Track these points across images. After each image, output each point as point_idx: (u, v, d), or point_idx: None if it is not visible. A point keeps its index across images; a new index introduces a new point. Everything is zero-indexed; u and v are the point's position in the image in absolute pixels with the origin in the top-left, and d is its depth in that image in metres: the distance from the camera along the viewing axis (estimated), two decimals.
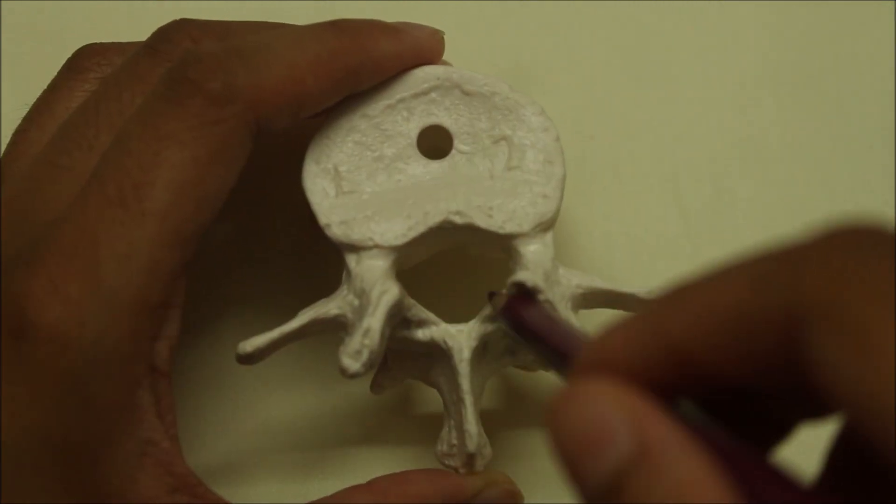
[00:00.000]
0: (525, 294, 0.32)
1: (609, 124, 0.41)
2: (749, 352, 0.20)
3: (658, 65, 0.41)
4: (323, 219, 0.33)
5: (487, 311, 0.33)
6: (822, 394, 0.19)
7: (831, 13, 0.41)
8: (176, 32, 0.33)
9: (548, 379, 0.37)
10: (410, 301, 0.33)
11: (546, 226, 0.34)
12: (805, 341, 0.19)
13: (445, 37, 0.35)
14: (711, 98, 0.41)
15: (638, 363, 0.21)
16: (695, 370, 0.21)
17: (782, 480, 0.19)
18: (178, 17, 0.34)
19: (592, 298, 0.34)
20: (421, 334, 0.33)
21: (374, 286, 0.32)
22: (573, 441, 0.21)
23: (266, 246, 0.39)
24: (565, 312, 0.32)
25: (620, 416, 0.20)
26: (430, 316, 0.33)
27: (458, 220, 0.33)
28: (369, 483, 0.33)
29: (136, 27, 0.36)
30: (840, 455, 0.22)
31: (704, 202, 0.40)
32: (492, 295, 0.33)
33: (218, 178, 0.31)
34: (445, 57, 0.36)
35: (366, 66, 0.33)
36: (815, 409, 0.21)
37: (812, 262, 0.19)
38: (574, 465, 0.21)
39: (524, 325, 0.30)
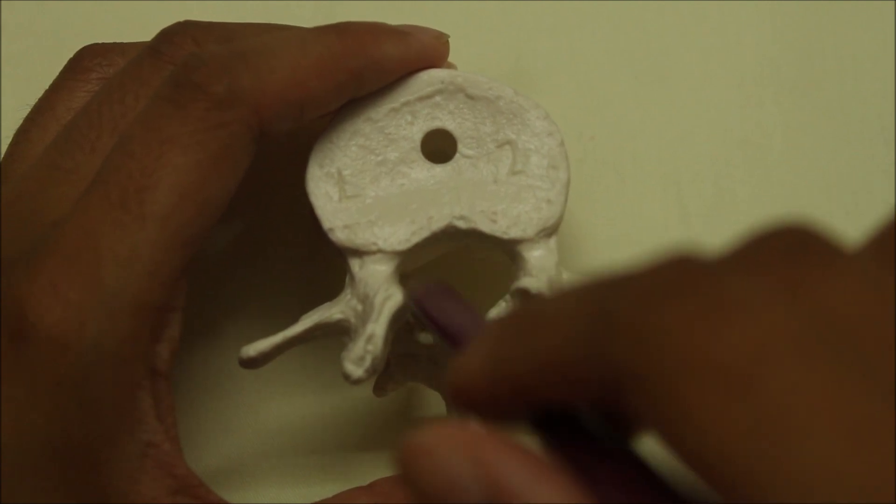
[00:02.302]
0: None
1: (610, 125, 0.41)
2: (577, 391, 0.20)
3: (659, 66, 0.41)
4: (326, 223, 0.33)
5: (491, 314, 0.33)
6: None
7: (831, 13, 0.41)
8: (179, 35, 0.33)
9: None
10: None
11: (550, 231, 0.34)
12: (624, 394, 0.19)
13: None
14: (713, 99, 0.41)
15: (487, 388, 0.21)
16: (534, 398, 0.21)
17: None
18: (179, 17, 0.34)
19: None
20: (424, 338, 0.33)
21: (377, 291, 0.32)
22: (431, 499, 0.21)
23: (269, 249, 0.39)
24: None
25: (467, 469, 0.20)
26: None
27: (461, 224, 0.33)
28: (371, 485, 0.33)
29: (136, 27, 0.36)
30: None
31: (706, 203, 0.40)
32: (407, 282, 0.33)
33: (220, 181, 0.31)
34: None
35: (369, 69, 0.33)
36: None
37: (621, 312, 0.19)
38: None
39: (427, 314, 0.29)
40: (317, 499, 0.32)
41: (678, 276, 0.19)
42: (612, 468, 0.20)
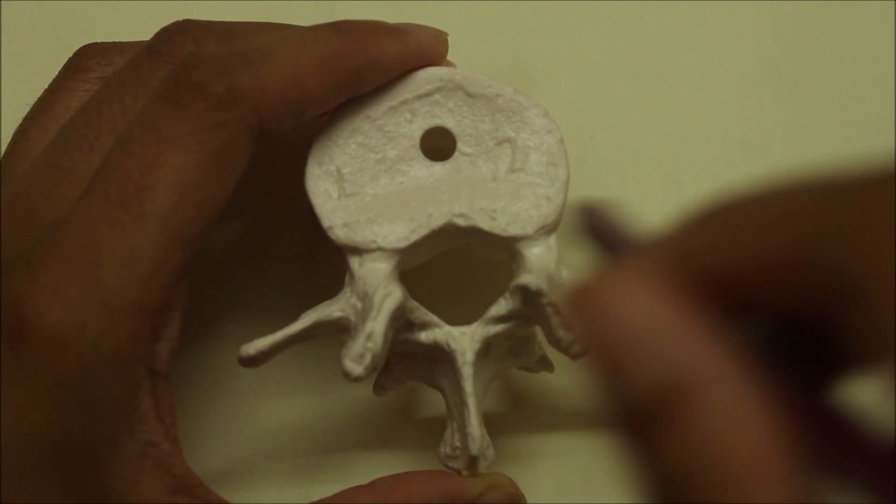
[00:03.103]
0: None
1: (610, 125, 0.41)
2: (794, 293, 0.18)
3: (659, 65, 0.41)
4: (326, 221, 0.33)
5: (491, 312, 0.33)
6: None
7: (831, 13, 0.41)
8: (178, 34, 0.33)
9: (551, 381, 0.37)
10: (413, 304, 0.33)
11: (549, 228, 0.34)
12: (850, 300, 0.17)
13: None
14: (713, 99, 0.41)
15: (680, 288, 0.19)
16: (734, 301, 0.19)
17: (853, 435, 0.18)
18: (178, 16, 0.34)
19: None
20: (424, 337, 0.33)
21: (377, 289, 0.32)
22: (614, 342, 0.18)
23: (268, 248, 0.39)
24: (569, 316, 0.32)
25: (676, 326, 0.18)
26: (433, 318, 0.33)
27: (461, 222, 0.33)
28: (371, 483, 0.33)
29: (136, 27, 0.36)
30: None
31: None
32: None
33: (220, 181, 0.31)
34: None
35: (368, 67, 0.33)
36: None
37: (862, 213, 0.17)
38: (609, 371, 0.18)
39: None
40: (317, 497, 0.32)
41: None
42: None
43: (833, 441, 0.18)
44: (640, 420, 0.18)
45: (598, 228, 0.24)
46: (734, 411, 0.17)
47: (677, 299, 0.19)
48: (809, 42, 0.41)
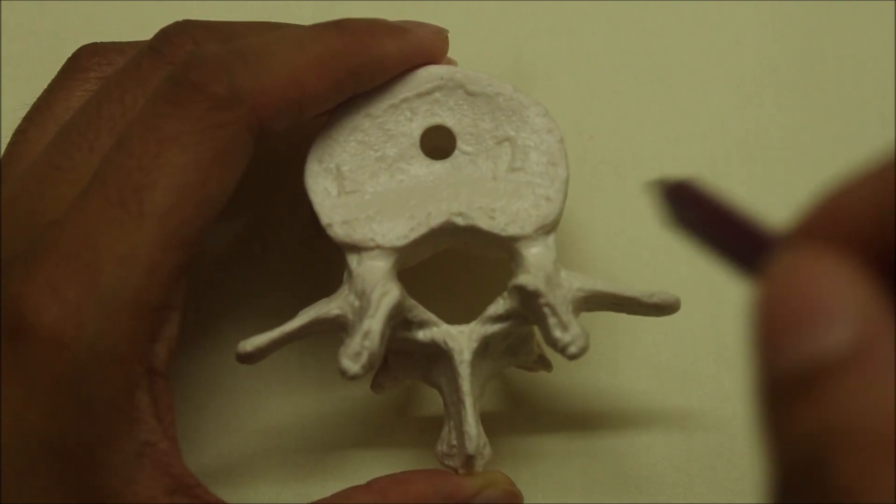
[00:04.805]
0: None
1: (609, 124, 0.41)
2: None
3: (658, 65, 0.41)
4: (325, 218, 0.33)
5: (489, 311, 0.33)
6: None
7: (831, 13, 0.41)
8: (178, 34, 0.33)
9: (549, 380, 0.37)
10: (411, 302, 0.33)
11: (548, 228, 0.33)
12: None
13: None
14: (712, 98, 0.41)
15: (873, 228, 0.18)
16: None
17: None
18: (178, 16, 0.34)
19: (594, 301, 0.34)
20: (422, 335, 0.33)
21: (374, 287, 0.32)
22: (782, 309, 0.17)
23: (266, 246, 0.39)
24: (566, 316, 0.32)
25: (850, 297, 0.17)
26: (431, 317, 0.33)
27: (460, 221, 0.33)
28: (369, 483, 0.33)
29: (136, 27, 0.36)
30: None
31: None
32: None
33: (219, 180, 0.31)
34: None
35: (369, 66, 0.33)
36: None
37: None
38: (772, 336, 0.18)
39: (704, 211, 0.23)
40: (315, 497, 0.32)
41: None
42: None
43: None
44: (803, 385, 0.17)
45: (693, 208, 0.23)
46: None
47: (860, 276, 0.18)
48: (809, 42, 0.41)
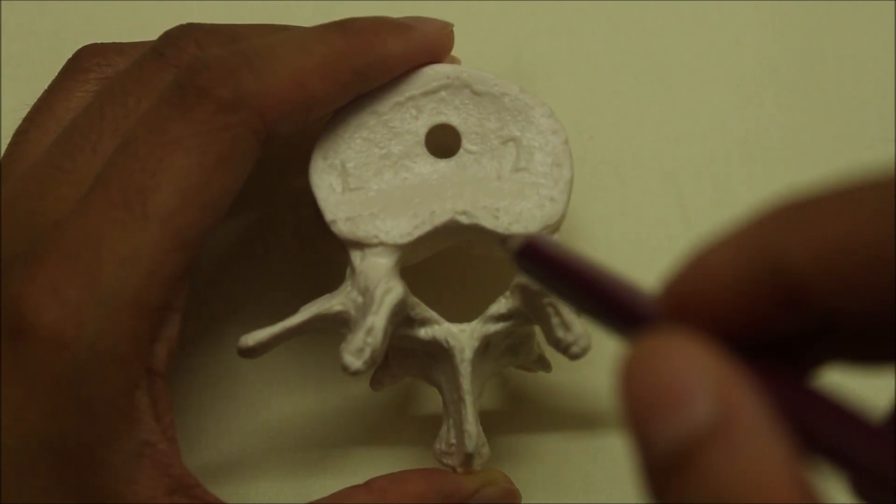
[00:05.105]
0: (542, 238, 0.26)
1: (609, 124, 0.41)
2: (877, 289, 0.18)
3: (658, 64, 0.41)
4: (329, 215, 0.33)
5: (490, 310, 0.33)
6: None
7: (831, 12, 0.42)
8: (182, 37, 0.33)
9: (548, 380, 0.37)
10: (414, 300, 0.33)
11: (552, 229, 0.34)
12: None
13: None
14: (712, 98, 0.41)
15: (735, 285, 0.19)
16: (799, 298, 0.19)
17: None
18: (178, 17, 0.34)
19: None
20: (423, 333, 0.33)
21: (378, 284, 0.32)
22: (645, 396, 0.19)
23: (268, 244, 0.39)
24: (569, 316, 0.32)
25: (704, 375, 0.18)
26: (433, 315, 0.33)
27: (464, 220, 0.33)
28: (367, 483, 0.33)
29: (136, 27, 0.36)
30: None
31: (705, 202, 0.40)
32: (505, 240, 0.30)
33: (223, 183, 0.31)
34: None
35: (374, 66, 0.33)
36: None
37: None
38: (641, 423, 0.19)
39: (555, 267, 0.24)
40: (315, 495, 0.32)
41: None
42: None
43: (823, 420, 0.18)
44: (675, 466, 0.18)
45: (542, 260, 0.24)
46: (766, 455, 0.18)
47: (713, 353, 0.19)
48: (809, 42, 0.41)
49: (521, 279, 0.33)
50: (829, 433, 0.18)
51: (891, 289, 0.18)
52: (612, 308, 0.22)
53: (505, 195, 0.34)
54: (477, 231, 0.34)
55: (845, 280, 0.19)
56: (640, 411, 0.19)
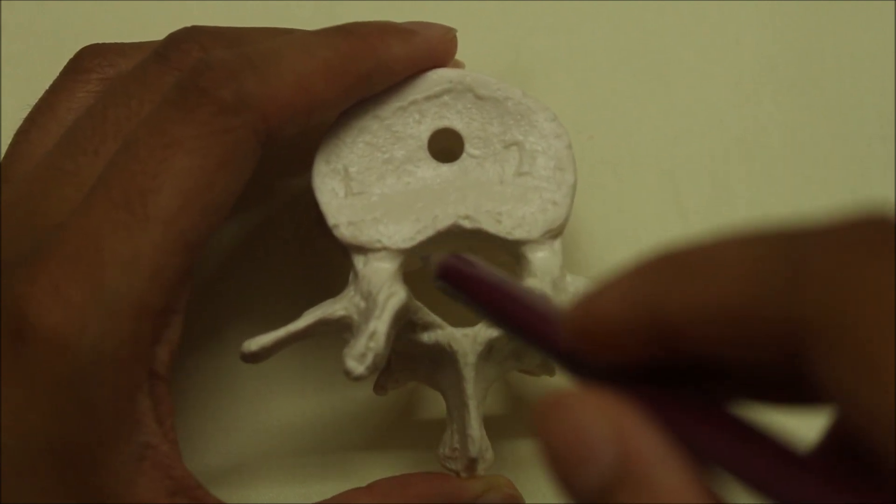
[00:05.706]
0: (459, 260, 0.28)
1: (608, 124, 0.41)
2: (747, 344, 0.19)
3: (657, 64, 0.41)
4: (331, 219, 0.33)
5: None
6: (821, 395, 0.18)
7: (831, 12, 0.42)
8: (186, 40, 0.33)
9: (551, 384, 0.37)
10: (417, 304, 0.33)
11: (555, 233, 0.34)
12: (806, 349, 0.18)
13: None
14: (710, 97, 0.41)
15: (622, 333, 0.21)
16: (681, 347, 0.20)
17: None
18: (179, 17, 0.34)
19: None
20: (426, 337, 0.33)
21: (381, 289, 0.32)
22: (560, 455, 0.21)
23: (269, 249, 0.39)
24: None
25: (603, 430, 0.20)
26: (436, 319, 0.33)
27: (466, 224, 0.33)
28: (369, 486, 0.33)
29: (136, 27, 0.36)
30: (835, 441, 0.21)
31: (704, 201, 0.40)
32: (426, 258, 0.32)
33: (225, 185, 0.31)
34: None
35: (377, 70, 0.33)
36: (807, 399, 0.21)
37: (813, 264, 0.18)
38: (563, 478, 0.21)
39: (472, 289, 0.27)
40: (316, 498, 0.32)
41: (881, 234, 0.18)
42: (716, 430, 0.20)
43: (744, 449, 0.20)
44: None
45: (458, 282, 0.26)
46: (668, 483, 0.20)
47: (611, 404, 0.21)
48: (808, 41, 0.41)
49: (525, 284, 0.33)
50: (728, 457, 0.20)
51: (763, 345, 0.19)
52: (524, 330, 0.24)
53: (508, 199, 0.34)
54: (480, 235, 0.33)
55: (717, 335, 0.20)
56: (556, 466, 0.21)
